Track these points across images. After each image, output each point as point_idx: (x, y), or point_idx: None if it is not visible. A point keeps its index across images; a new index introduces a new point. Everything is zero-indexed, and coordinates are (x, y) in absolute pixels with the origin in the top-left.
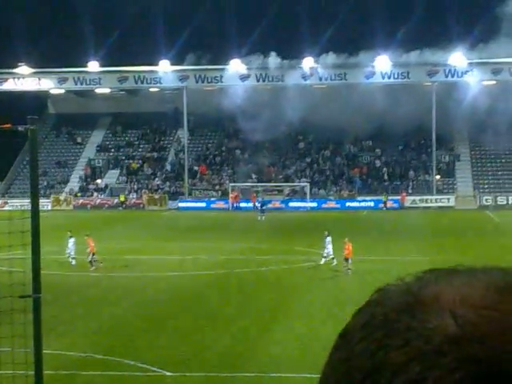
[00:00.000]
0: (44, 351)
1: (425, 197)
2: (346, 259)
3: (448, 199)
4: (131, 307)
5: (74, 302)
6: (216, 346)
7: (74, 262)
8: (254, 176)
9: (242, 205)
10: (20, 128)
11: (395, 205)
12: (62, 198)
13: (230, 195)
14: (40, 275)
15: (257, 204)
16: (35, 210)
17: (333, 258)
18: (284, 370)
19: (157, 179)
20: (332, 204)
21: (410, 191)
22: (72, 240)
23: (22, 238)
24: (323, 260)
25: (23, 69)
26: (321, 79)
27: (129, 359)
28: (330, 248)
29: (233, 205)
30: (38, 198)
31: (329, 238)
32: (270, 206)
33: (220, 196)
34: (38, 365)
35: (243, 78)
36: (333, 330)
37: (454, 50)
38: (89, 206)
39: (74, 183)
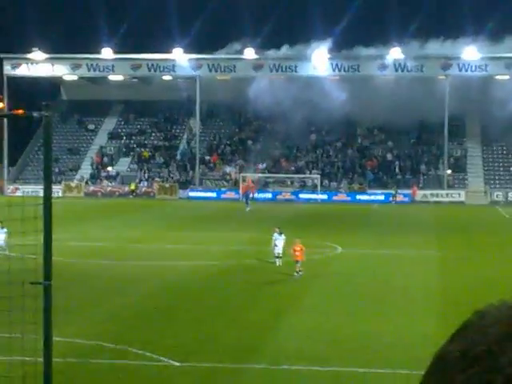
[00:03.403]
0: (53, 338)
1: (435, 191)
2: (297, 261)
3: (459, 194)
4: (140, 296)
5: (84, 290)
6: (225, 337)
7: (7, 252)
8: (264, 167)
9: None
10: (35, 114)
11: (406, 199)
12: (73, 184)
13: (241, 185)
14: (51, 262)
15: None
16: (48, 197)
17: (279, 258)
18: (293, 363)
19: (168, 168)
20: (343, 196)
21: (420, 185)
22: (4, 231)
23: (34, 224)
24: (277, 261)
25: (37, 54)
26: (334, 70)
27: (137, 348)
28: (280, 246)
29: (246, 195)
30: (51, 185)
31: (281, 236)
32: (280, 197)
33: (231, 186)
34: (47, 352)
35: (256, 68)
36: (342, 323)
37: (468, 43)
38: (99, 193)
39: (85, 170)
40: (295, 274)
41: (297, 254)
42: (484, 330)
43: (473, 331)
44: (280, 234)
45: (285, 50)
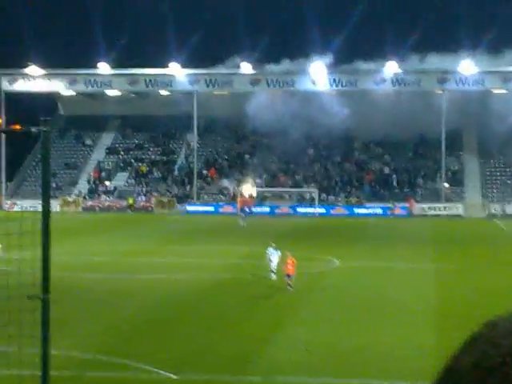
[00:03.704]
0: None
1: (433, 205)
2: (288, 275)
3: (456, 207)
4: (137, 309)
5: (80, 303)
6: (221, 349)
7: None
8: (262, 181)
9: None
10: (33, 129)
11: (404, 212)
12: (70, 199)
13: (238, 199)
14: (49, 276)
15: (247, 209)
16: (46, 211)
17: (274, 273)
18: (288, 374)
19: (166, 182)
20: (341, 210)
21: (418, 199)
22: None
23: (32, 239)
24: (273, 275)
25: (33, 69)
26: (331, 85)
27: (133, 361)
28: (275, 261)
29: (242, 209)
30: (50, 199)
31: (277, 252)
32: (278, 211)
33: (228, 200)
34: (45, 366)
35: (254, 82)
36: (338, 335)
37: (464, 57)
38: (97, 208)
39: (83, 185)
40: (288, 287)
41: (289, 267)
42: (496, 341)
43: (484, 343)
44: (276, 249)
45: (283, 64)
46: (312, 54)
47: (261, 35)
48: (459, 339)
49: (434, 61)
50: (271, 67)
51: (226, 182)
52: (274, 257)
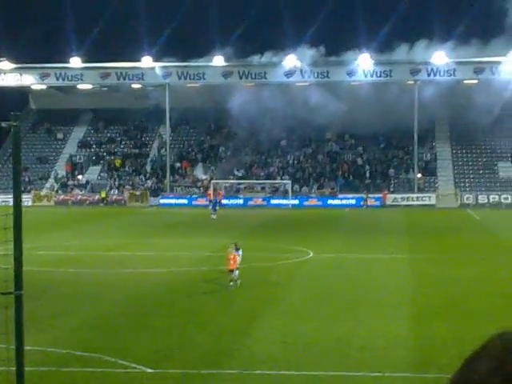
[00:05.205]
0: (24, 347)
1: (406, 195)
2: (231, 270)
3: (429, 197)
4: (112, 304)
5: (54, 298)
6: (197, 343)
7: None
8: (235, 173)
9: (224, 201)
10: (3, 124)
11: (377, 203)
12: (42, 193)
13: (208, 192)
14: (22, 272)
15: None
16: (18, 206)
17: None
18: (266, 368)
19: (139, 176)
20: (314, 201)
21: (391, 189)
22: None
23: (4, 234)
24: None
25: (4, 64)
26: (303, 77)
27: (109, 356)
28: (238, 261)
29: (213, 201)
30: (21, 194)
31: (239, 252)
32: (252, 203)
33: (202, 193)
34: (19, 361)
35: (226, 75)
36: (315, 327)
37: (436, 48)
38: (70, 201)
39: (55, 179)
40: (231, 284)
41: (231, 262)
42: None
43: (500, 351)
44: (237, 249)
45: (254, 57)
46: (284, 46)
47: (234, 29)
48: (434, 329)
49: (406, 52)
50: (245, 60)
51: (200, 173)
52: (238, 256)
